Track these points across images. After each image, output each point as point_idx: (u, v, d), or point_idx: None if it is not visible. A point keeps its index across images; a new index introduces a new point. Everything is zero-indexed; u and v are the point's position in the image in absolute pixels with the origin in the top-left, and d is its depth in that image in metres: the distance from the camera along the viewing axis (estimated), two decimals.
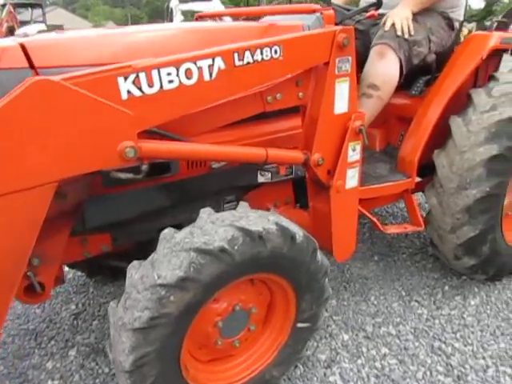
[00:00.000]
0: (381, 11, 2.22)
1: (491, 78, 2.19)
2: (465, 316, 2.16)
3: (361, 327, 2.10)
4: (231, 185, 1.88)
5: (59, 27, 15.66)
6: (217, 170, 1.72)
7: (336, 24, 2.06)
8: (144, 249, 1.53)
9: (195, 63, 1.25)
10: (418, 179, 2.35)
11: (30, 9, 15.64)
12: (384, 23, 2.09)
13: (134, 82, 1.17)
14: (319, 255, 1.55)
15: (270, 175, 1.92)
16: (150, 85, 1.19)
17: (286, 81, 1.56)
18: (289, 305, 1.61)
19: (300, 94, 1.61)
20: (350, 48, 1.55)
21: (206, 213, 1.43)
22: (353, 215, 1.80)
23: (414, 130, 2.14)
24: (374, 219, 2.03)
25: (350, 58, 1.57)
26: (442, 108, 2.08)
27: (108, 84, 1.14)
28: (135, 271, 1.35)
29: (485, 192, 1.97)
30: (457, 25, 2.38)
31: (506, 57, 2.46)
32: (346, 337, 2.04)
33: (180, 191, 1.72)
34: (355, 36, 2.40)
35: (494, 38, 2.09)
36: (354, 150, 1.70)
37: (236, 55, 1.32)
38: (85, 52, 1.35)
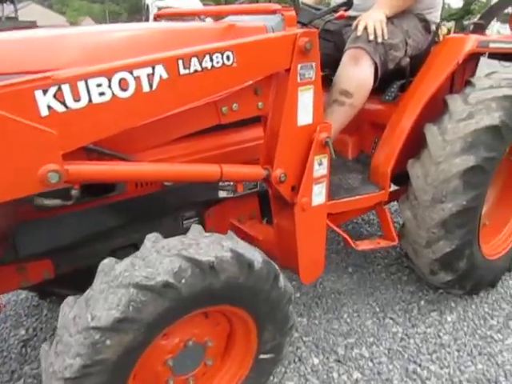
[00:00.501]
0: (353, 14, 2.09)
1: (468, 83, 2.07)
2: (441, 334, 2.06)
3: (332, 349, 1.97)
4: (189, 201, 1.73)
5: (32, 23, 15.15)
6: (171, 187, 1.56)
7: (305, 24, 1.94)
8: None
9: (131, 72, 1.09)
10: (394, 187, 2.24)
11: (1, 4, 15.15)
12: (356, 27, 1.95)
13: (55, 96, 1.00)
14: (281, 281, 1.41)
15: (231, 190, 1.77)
16: (76, 98, 1.03)
17: (243, 90, 1.41)
18: (249, 336, 1.46)
19: (259, 103, 1.46)
20: (313, 53, 1.40)
21: (150, 240, 1.27)
22: (320, 234, 1.66)
23: (387, 139, 2.02)
24: (345, 235, 1.90)
25: (313, 64, 1.43)
26: (417, 115, 1.96)
27: (23, 99, 0.97)
28: (69, 309, 1.19)
29: (461, 206, 1.86)
30: (433, 27, 2.26)
31: (483, 60, 2.36)
32: (316, 361, 1.91)
33: (129, 211, 1.55)
34: (327, 37, 2.29)
35: (471, 42, 1.97)
36: (320, 164, 1.56)
37: (181, 63, 1.16)
38: (7, 57, 1.17)
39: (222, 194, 1.78)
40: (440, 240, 1.94)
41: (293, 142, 1.48)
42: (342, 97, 1.96)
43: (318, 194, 1.59)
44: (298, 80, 1.41)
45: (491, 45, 2.03)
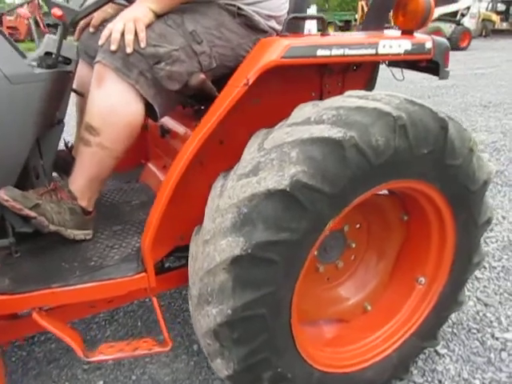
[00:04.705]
0: None
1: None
2: None
3: None
4: None
5: None
6: None
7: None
8: None
9: None
10: None
11: None
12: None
13: None
14: None
15: None
16: None
17: None
18: None
19: None
20: None
21: None
22: None
23: (157, 195, 1.36)
24: (72, 343, 1.26)
25: None
26: (189, 160, 1.27)
27: None
28: None
29: (227, 315, 1.16)
30: (274, 23, 1.53)
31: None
32: None
33: None
34: None
35: (278, 49, 1.23)
36: None
37: None
38: None
39: None
40: (217, 356, 1.27)
41: None
42: (86, 133, 1.34)
43: None
44: None
45: (320, 52, 1.26)
